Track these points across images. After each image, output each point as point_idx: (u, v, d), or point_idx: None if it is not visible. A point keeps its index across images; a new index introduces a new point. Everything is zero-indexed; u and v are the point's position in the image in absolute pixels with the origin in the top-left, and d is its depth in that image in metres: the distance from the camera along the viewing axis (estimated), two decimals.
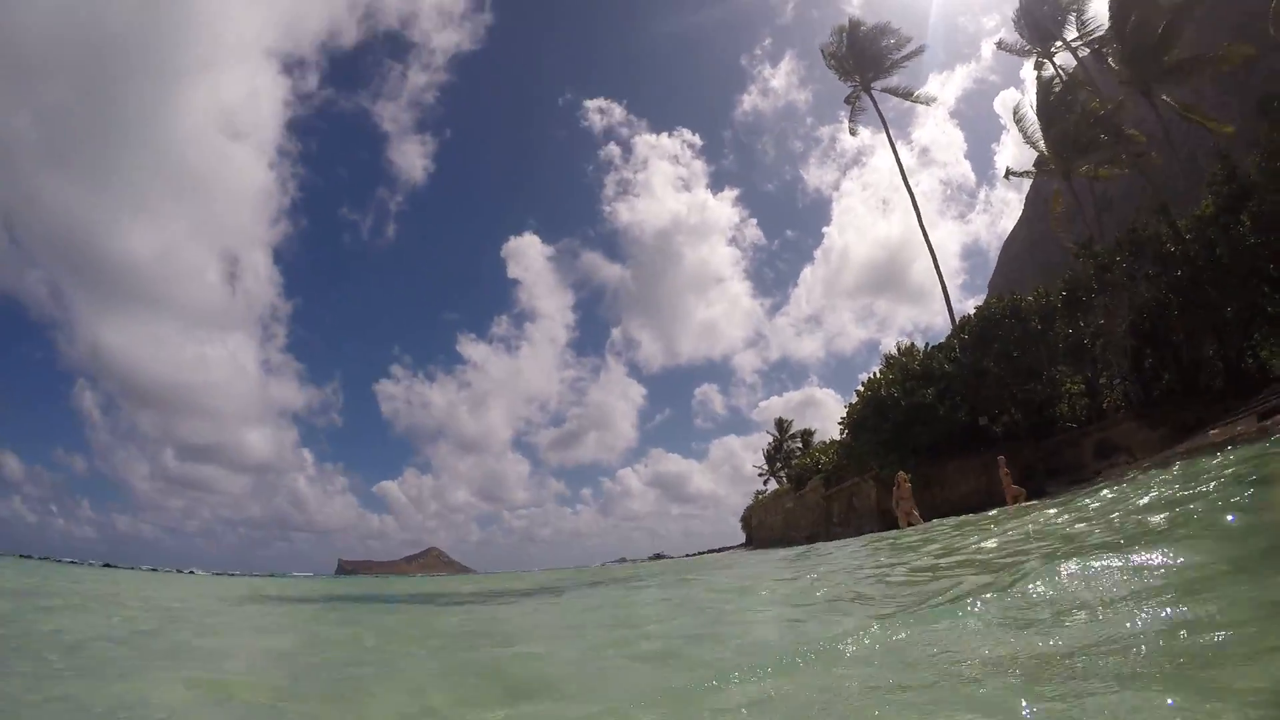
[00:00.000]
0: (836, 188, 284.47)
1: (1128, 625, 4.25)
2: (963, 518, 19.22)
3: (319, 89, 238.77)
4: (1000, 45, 47.63)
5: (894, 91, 47.62)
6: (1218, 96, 42.90)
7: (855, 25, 47.12)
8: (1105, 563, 5.70)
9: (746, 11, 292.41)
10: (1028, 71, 47.69)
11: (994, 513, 19.14)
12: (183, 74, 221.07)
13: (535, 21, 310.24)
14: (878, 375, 37.91)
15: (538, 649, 8.72)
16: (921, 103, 50.11)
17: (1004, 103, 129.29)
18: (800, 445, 70.24)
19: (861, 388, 38.27)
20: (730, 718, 4.07)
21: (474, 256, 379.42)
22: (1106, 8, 39.17)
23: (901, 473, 23.49)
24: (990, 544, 10.34)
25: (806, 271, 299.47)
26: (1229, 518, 6.43)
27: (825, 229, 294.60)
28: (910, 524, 22.08)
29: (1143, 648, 3.81)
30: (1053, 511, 12.77)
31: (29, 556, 67.18)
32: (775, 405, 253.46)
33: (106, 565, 63.65)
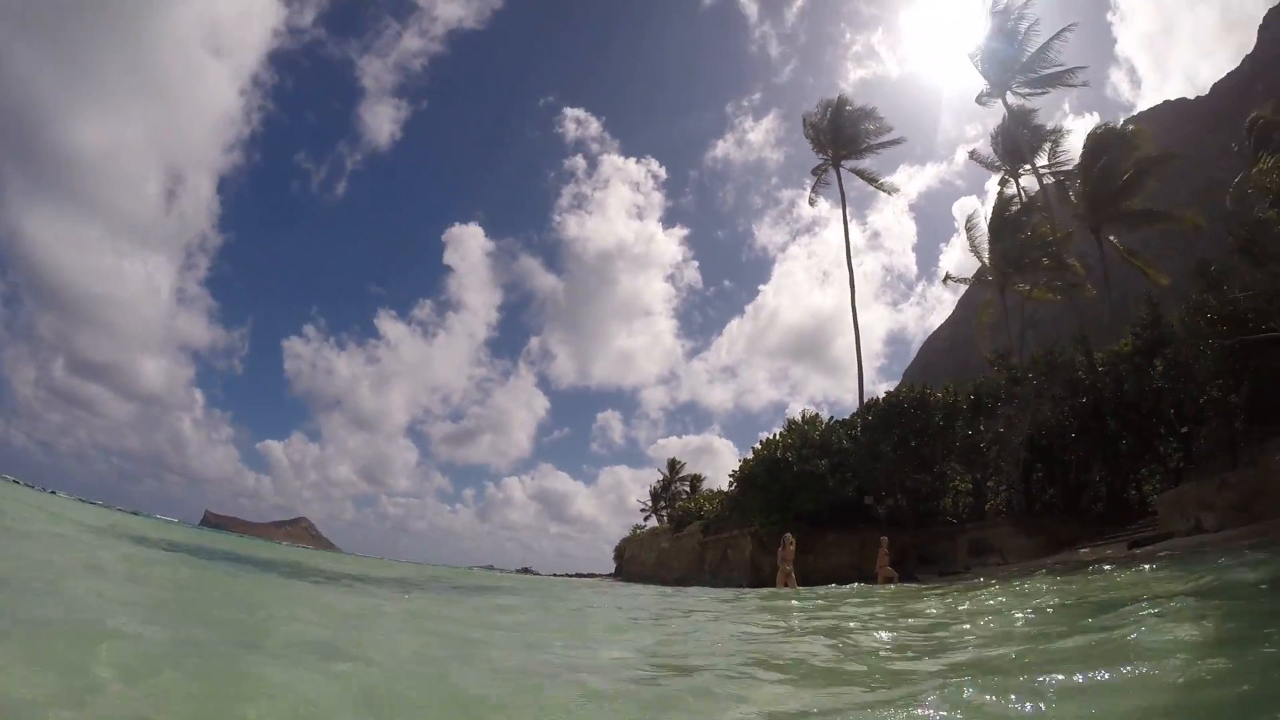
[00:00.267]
0: (783, 250, 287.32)
1: None
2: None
3: (312, 26, 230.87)
4: (973, 155, 48.42)
5: (861, 173, 47.58)
6: (1162, 247, 43.81)
7: (842, 103, 47.17)
8: None
9: (747, 62, 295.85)
10: (992, 185, 48.00)
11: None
12: None
13: (541, 17, 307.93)
14: (777, 437, 37.49)
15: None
16: (884, 190, 50.47)
17: (962, 208, 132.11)
18: (688, 489, 69.68)
19: (759, 446, 37.85)
20: None
21: (414, 234, 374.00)
22: (1081, 145, 39.95)
23: (789, 534, 23.16)
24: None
25: (734, 324, 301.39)
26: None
27: (762, 287, 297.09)
28: (787, 584, 21.73)
29: None
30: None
31: None
32: (673, 445, 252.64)
33: None
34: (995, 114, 43.78)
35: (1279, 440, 20.66)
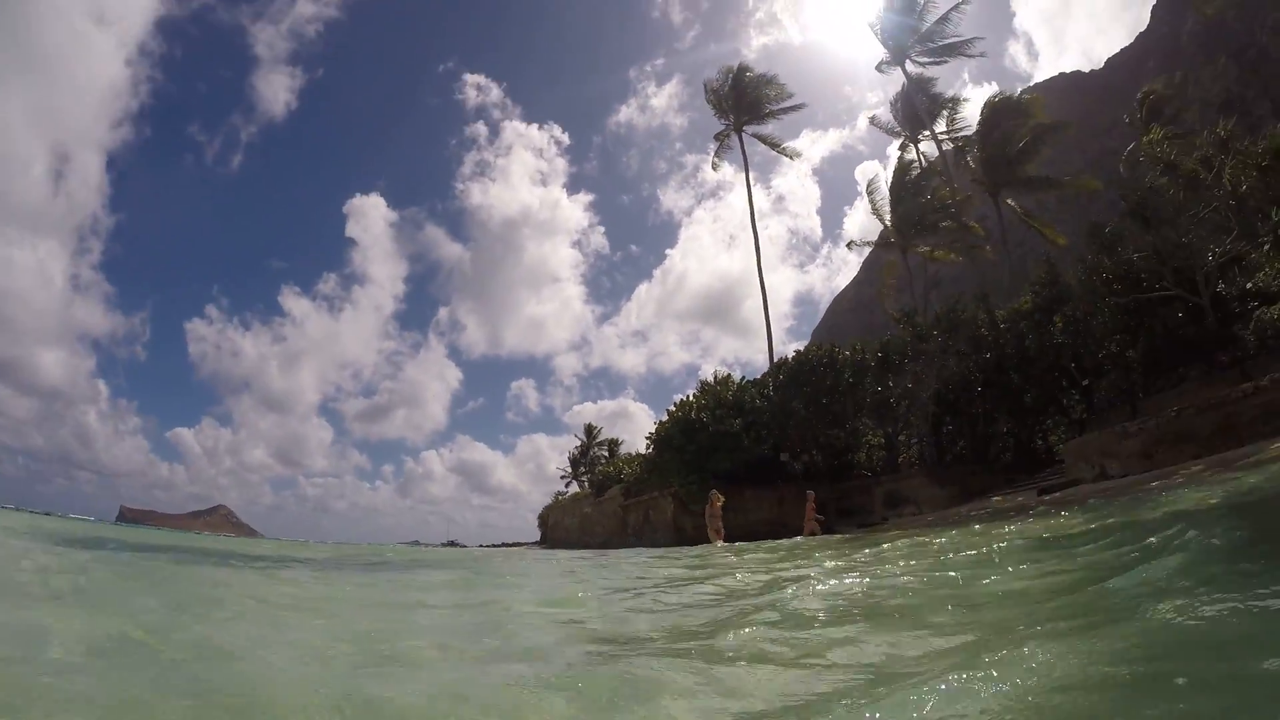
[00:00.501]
0: (689, 214, 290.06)
1: None
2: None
3: None
4: (873, 121, 49.31)
5: (763, 138, 47.89)
6: (1058, 210, 45.45)
7: (743, 69, 47.26)
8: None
9: (650, 27, 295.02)
10: (893, 150, 48.86)
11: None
12: None
13: None
14: (691, 398, 37.71)
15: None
16: (787, 155, 51.16)
17: (864, 172, 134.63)
18: (606, 453, 70.03)
19: (674, 408, 37.97)
20: None
21: (315, 207, 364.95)
22: (979, 113, 40.96)
23: (715, 492, 23.28)
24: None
25: (642, 288, 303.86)
26: None
27: (669, 251, 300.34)
28: (719, 540, 21.90)
29: None
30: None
31: None
32: (588, 411, 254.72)
33: None
34: (895, 81, 44.53)
35: (1174, 391, 21.73)
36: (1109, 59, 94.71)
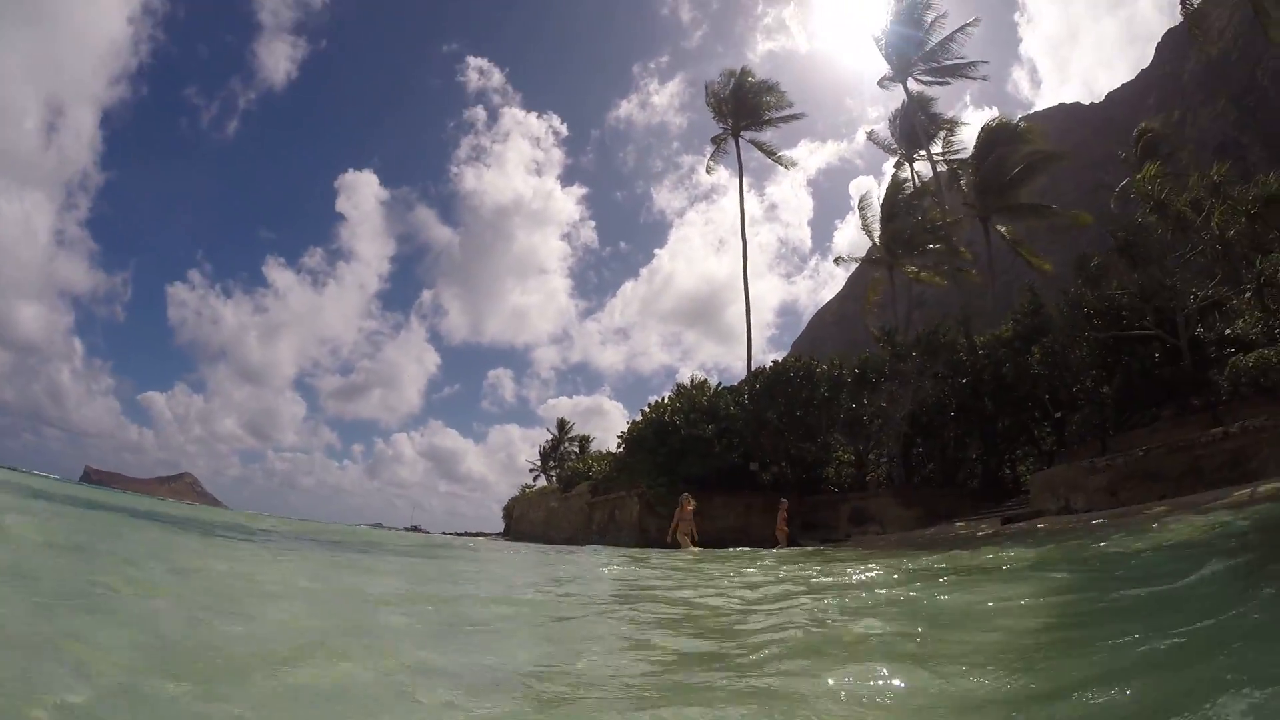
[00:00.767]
0: (681, 216, 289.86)
1: None
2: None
3: None
4: (870, 136, 49.12)
5: (760, 145, 47.74)
6: (1048, 238, 45.42)
7: (745, 74, 47.10)
8: None
9: (658, 24, 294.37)
10: (889, 167, 48.76)
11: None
12: None
13: None
14: (666, 401, 37.47)
15: None
16: (782, 164, 50.64)
17: (858, 187, 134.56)
18: (577, 449, 69.75)
19: (648, 408, 37.75)
20: None
21: (307, 179, 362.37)
22: (975, 137, 40.88)
23: (687, 495, 23.04)
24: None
25: (628, 286, 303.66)
26: None
27: (658, 250, 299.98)
28: (692, 544, 21.63)
29: None
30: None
31: None
32: (563, 405, 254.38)
33: None
34: (896, 98, 44.37)
35: (1146, 430, 21.63)
36: (1110, 93, 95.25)
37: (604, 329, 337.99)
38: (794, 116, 47.71)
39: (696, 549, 20.71)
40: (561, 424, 74.60)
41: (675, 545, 21.67)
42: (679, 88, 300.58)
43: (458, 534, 74.06)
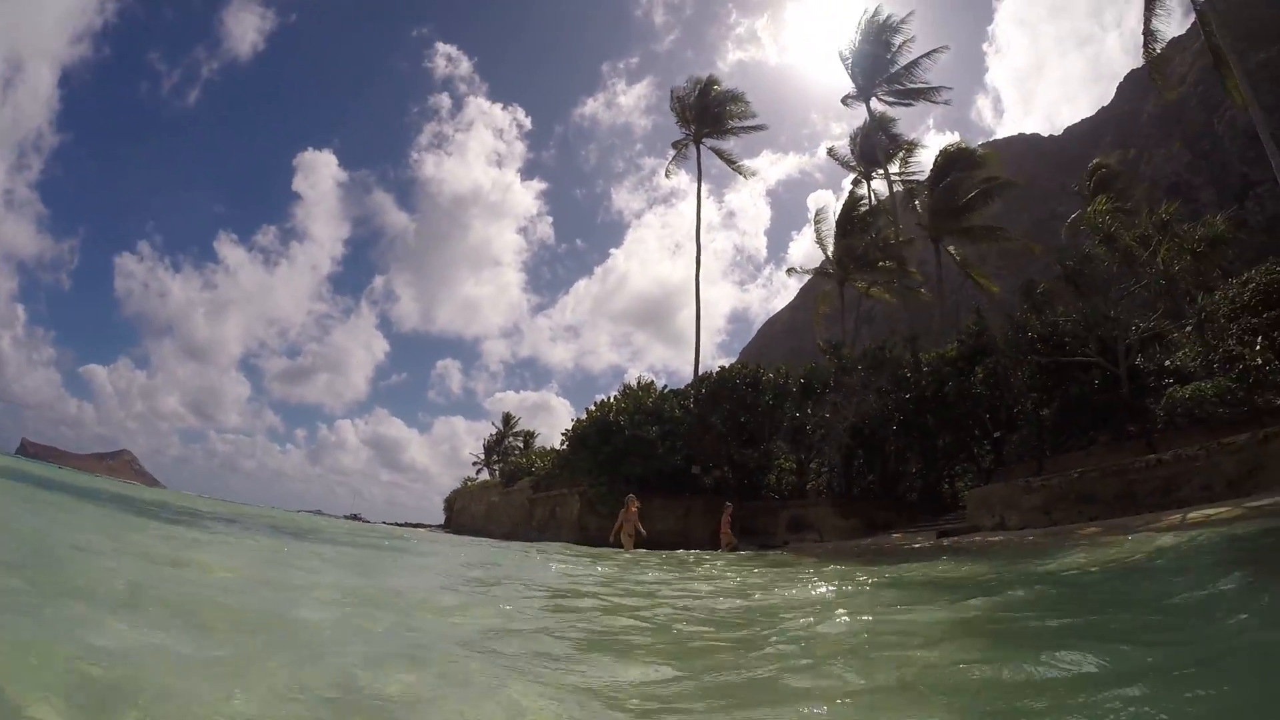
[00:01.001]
0: (639, 217, 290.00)
1: None
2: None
3: None
4: (831, 152, 49.57)
5: (721, 153, 47.73)
6: (998, 262, 46.33)
7: (712, 81, 47.04)
8: None
9: (632, 25, 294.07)
10: (847, 184, 49.06)
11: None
12: None
13: None
14: (612, 400, 37.34)
15: None
16: (741, 173, 50.82)
17: (816, 200, 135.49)
18: (521, 444, 69.57)
19: (593, 407, 37.56)
20: None
21: (265, 156, 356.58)
22: (933, 160, 41.37)
23: (632, 496, 23.04)
24: None
25: (581, 284, 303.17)
26: None
27: (613, 250, 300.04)
28: (634, 545, 21.45)
29: None
30: None
31: None
32: (510, 399, 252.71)
33: None
34: (859, 116, 44.61)
35: (1082, 453, 21.94)
36: (1069, 127, 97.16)
37: (555, 325, 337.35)
38: (757, 127, 47.86)
39: (639, 550, 20.62)
40: (507, 418, 74.35)
41: (618, 545, 21.57)
42: (647, 90, 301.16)
43: (398, 524, 73.38)
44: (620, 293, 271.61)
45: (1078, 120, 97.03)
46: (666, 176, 53.98)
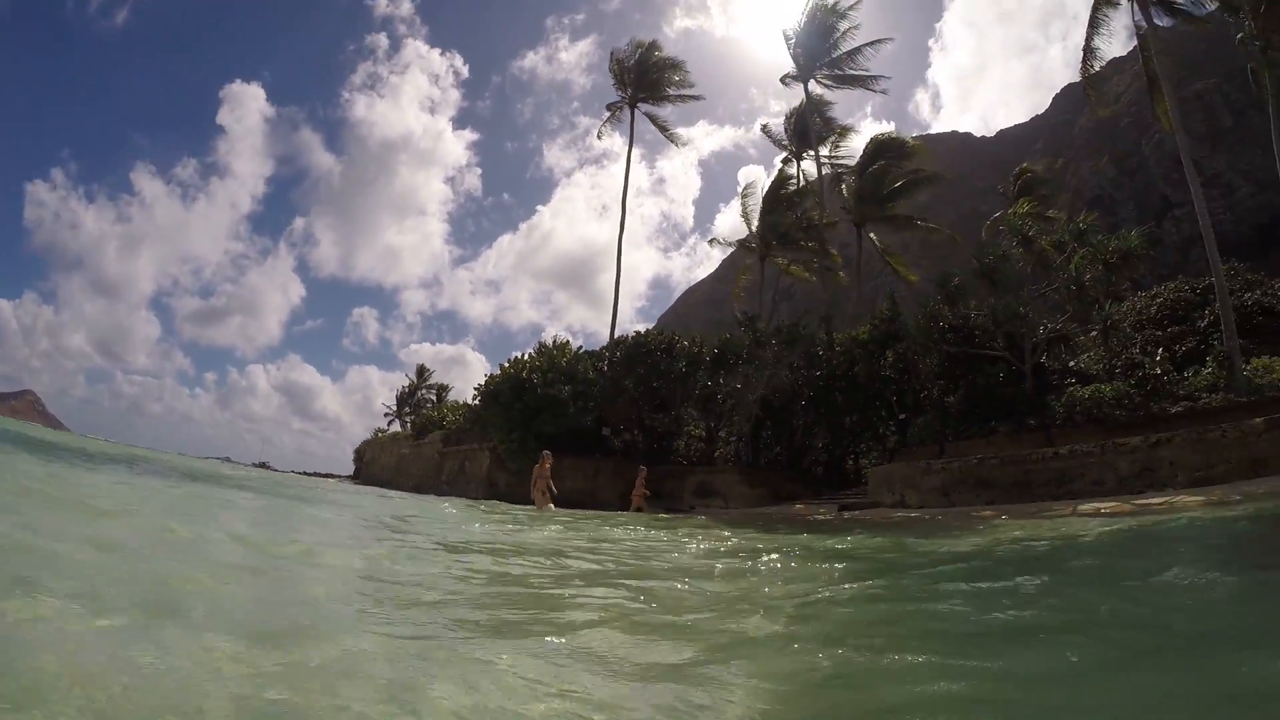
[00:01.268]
0: (569, 176, 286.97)
1: None
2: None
3: None
4: (765, 129, 49.59)
5: (655, 119, 47.28)
6: (919, 251, 47.11)
7: (654, 47, 46.41)
8: None
9: None
10: (778, 161, 49.11)
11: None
12: None
13: None
14: (526, 358, 36.83)
15: None
16: (673, 141, 50.42)
17: (746, 175, 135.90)
18: (434, 398, 68.64)
19: (508, 364, 37.02)
20: None
21: (191, 84, 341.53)
22: (864, 146, 41.71)
23: (548, 452, 22.47)
24: None
25: (505, 238, 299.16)
26: None
27: (540, 207, 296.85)
28: (545, 500, 21.17)
29: None
30: None
31: None
32: (425, 351, 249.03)
33: None
34: (797, 96, 44.51)
35: (983, 440, 22.51)
36: (1003, 130, 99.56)
37: (476, 279, 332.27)
38: (694, 97, 47.48)
39: (552, 508, 20.45)
40: (421, 370, 73.31)
41: (534, 501, 21.38)
42: (589, 48, 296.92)
43: (307, 474, 71.90)
44: (544, 250, 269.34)
45: (1012, 125, 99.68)
46: (599, 138, 53.37)
